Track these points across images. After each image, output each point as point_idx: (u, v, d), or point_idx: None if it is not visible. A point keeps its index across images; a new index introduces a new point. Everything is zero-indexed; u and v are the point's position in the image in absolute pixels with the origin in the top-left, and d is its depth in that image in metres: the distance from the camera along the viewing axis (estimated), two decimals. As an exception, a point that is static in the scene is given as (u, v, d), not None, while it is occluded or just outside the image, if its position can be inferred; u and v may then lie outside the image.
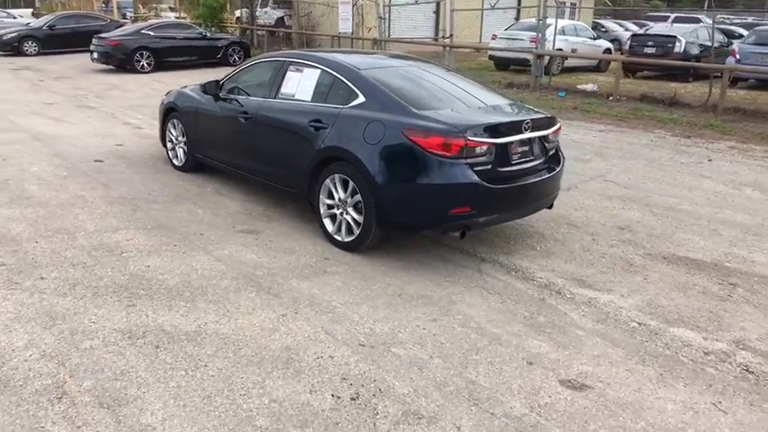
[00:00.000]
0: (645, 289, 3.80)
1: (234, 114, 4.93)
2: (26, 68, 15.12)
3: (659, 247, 4.53)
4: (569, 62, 15.33)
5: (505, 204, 3.93)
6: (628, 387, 2.71)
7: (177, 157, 5.97)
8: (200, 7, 21.17)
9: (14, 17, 28.11)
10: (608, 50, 16.82)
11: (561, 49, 14.55)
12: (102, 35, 15.55)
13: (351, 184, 3.96)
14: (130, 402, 2.26)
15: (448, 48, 13.80)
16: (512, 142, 3.86)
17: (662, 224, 5.04)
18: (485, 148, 3.68)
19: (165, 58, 15.62)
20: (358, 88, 4.11)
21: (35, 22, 21.71)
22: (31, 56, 18.26)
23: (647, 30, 16.08)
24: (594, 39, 16.77)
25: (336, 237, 4.17)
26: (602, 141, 8.30)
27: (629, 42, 15.61)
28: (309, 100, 4.42)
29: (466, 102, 4.21)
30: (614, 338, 3.17)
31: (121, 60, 14.99)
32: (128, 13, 31.85)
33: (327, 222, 4.23)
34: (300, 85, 4.55)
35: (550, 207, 4.56)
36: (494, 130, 3.77)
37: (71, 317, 2.90)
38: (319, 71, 4.44)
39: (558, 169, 4.27)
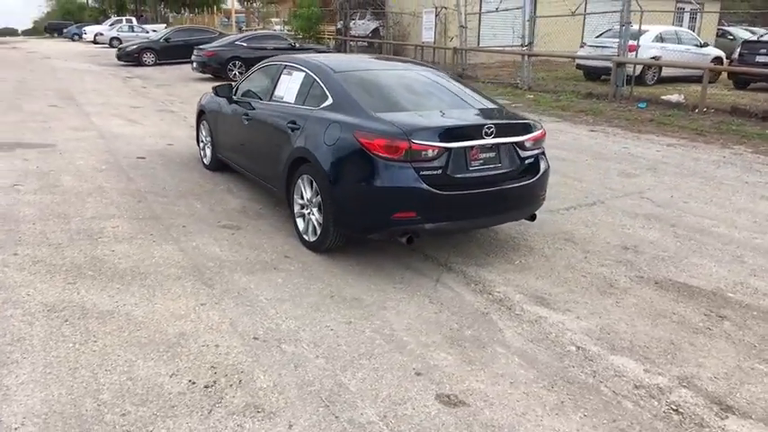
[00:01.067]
0: (609, 313, 3.48)
1: (239, 116, 5.22)
2: (138, 77, 16.87)
3: (658, 270, 4.11)
4: (669, 72, 14.21)
5: (459, 212, 3.79)
6: (511, 410, 2.52)
7: (206, 156, 6.41)
8: (298, 19, 22.38)
9: (147, 32, 31.44)
10: (718, 60, 15.35)
11: (657, 58, 13.56)
12: (202, 46, 16.99)
13: (314, 184, 4.04)
14: (6, 365, 2.52)
15: (526, 57, 13.38)
16: (470, 147, 3.73)
17: (678, 247, 4.56)
18: (433, 152, 3.59)
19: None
20: (329, 90, 4.19)
21: (155, 36, 24.25)
22: (148, 66, 20.37)
23: (762, 36, 14.44)
24: (701, 46, 15.39)
25: (305, 236, 4.26)
26: (662, 156, 7.64)
27: (738, 50, 14.14)
28: (293, 102, 4.58)
29: (436, 106, 4.14)
30: (535, 360, 2.95)
31: (216, 69, 16.26)
32: (243, 27, 34.40)
33: (299, 222, 4.34)
34: (288, 87, 4.73)
35: (532, 219, 4.32)
36: (448, 134, 3.67)
37: (13, 288, 3.27)
38: (303, 74, 4.58)
39: (533, 179, 4.04)
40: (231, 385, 2.53)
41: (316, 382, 2.61)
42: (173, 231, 4.39)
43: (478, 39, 15.49)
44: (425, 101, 4.22)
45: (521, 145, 3.97)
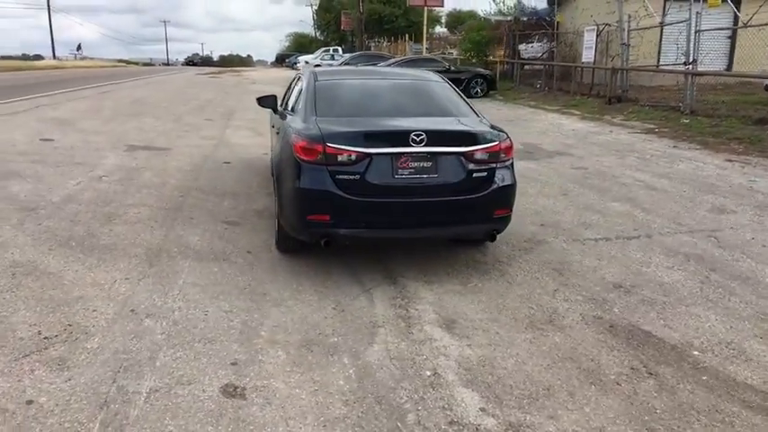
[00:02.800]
0: (509, 347, 3.11)
1: (275, 126, 5.73)
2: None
3: (632, 314, 3.51)
4: None
5: (381, 220, 3.70)
6: (283, 412, 2.47)
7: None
8: (468, 44, 22.76)
9: (335, 59, 34.74)
10: None
11: None
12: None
13: (282, 186, 4.29)
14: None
15: (690, 76, 11.86)
16: (398, 155, 3.64)
17: (691, 292, 3.83)
18: (351, 156, 3.60)
19: (409, 89, 17.43)
20: (302, 97, 4.43)
21: (339, 60, 26.72)
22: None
23: None
24: None
25: (275, 237, 4.54)
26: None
27: None
28: (290, 110, 4.91)
29: (390, 113, 4.10)
30: (369, 375, 2.80)
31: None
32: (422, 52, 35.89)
33: (277, 223, 4.63)
34: (295, 97, 5.08)
35: (491, 239, 4.00)
36: (368, 139, 3.64)
37: (7, 248, 4.13)
38: (301, 83, 4.89)
39: (479, 194, 3.75)
40: (65, 341, 2.92)
41: (134, 352, 2.86)
42: (177, 221, 5.01)
43: (641, 56, 14.09)
44: (385, 108, 4.21)
45: (469, 157, 3.73)
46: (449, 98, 4.46)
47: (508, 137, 3.95)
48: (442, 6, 39.06)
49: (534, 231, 5.04)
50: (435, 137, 3.67)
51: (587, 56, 15.69)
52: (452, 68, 18.55)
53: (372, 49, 49.69)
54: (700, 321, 3.41)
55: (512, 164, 3.97)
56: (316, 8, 68.20)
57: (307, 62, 39.73)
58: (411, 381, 2.77)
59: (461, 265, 4.22)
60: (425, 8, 31.11)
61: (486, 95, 18.10)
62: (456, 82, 17.68)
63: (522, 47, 21.31)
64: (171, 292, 3.59)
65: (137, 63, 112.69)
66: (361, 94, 4.45)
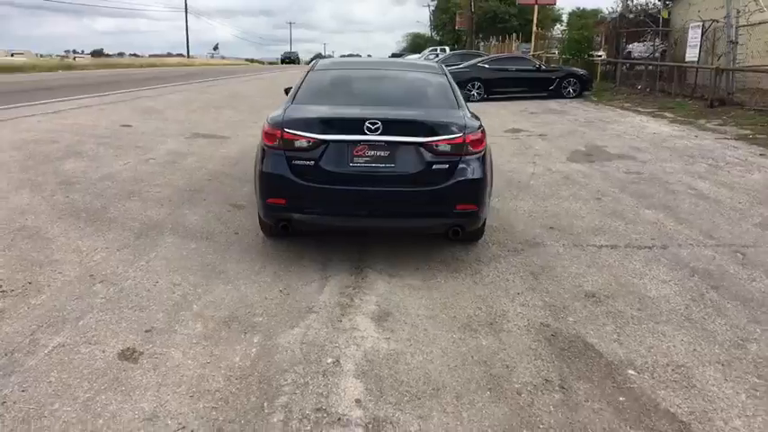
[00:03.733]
0: (436, 345, 2.99)
1: None
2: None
3: (584, 325, 3.24)
4: None
5: (331, 208, 3.69)
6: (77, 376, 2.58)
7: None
8: (569, 43, 21.72)
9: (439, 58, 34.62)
10: None
11: None
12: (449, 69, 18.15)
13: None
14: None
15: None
16: (354, 142, 3.62)
17: (676, 310, 3.44)
18: (307, 143, 3.63)
19: (495, 88, 17.00)
20: (295, 85, 4.52)
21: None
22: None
23: None
24: None
25: (264, 220, 4.67)
26: None
27: None
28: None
29: (367, 103, 4.06)
30: (261, 357, 2.83)
31: (455, 89, 17.20)
32: (524, 52, 34.70)
33: None
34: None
35: (454, 234, 3.84)
36: (324, 125, 3.65)
37: (27, 215, 4.64)
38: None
39: (436, 186, 3.61)
40: (17, 295, 3.25)
41: (66, 311, 3.12)
42: (189, 202, 5.33)
43: (747, 54, 12.65)
44: (363, 98, 4.18)
45: (428, 147, 3.62)
46: (437, 91, 4.32)
47: (478, 130, 3.77)
48: (554, 4, 37.53)
49: (538, 234, 4.76)
50: (392, 126, 3.60)
51: (691, 55, 14.35)
52: (542, 68, 17.80)
53: (481, 48, 49.01)
54: (660, 340, 3.05)
55: (482, 157, 3.78)
56: (433, 8, 68.44)
57: (411, 61, 40.24)
58: (306, 366, 2.76)
59: (437, 262, 4.09)
60: (536, 5, 30.11)
61: (579, 96, 17.17)
62: (546, 82, 17.09)
63: (630, 46, 19.94)
64: (137, 263, 3.85)
65: (261, 62, 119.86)
66: (347, 83, 4.46)
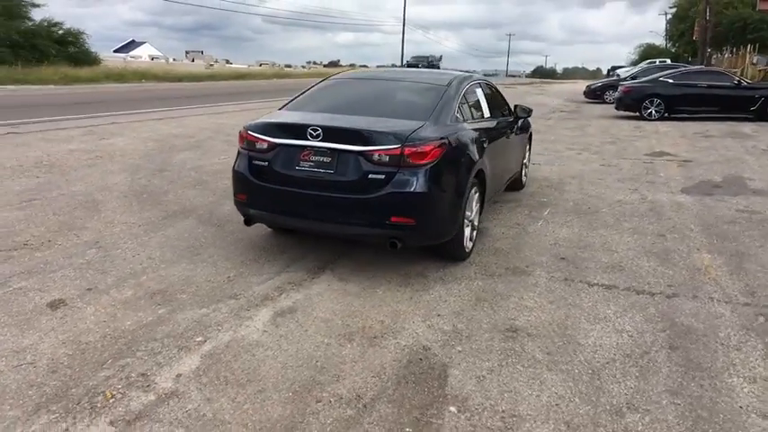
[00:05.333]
0: (291, 347, 3.16)
1: None
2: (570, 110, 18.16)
3: (448, 355, 3.08)
4: None
5: (280, 207, 3.96)
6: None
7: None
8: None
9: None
10: None
11: None
12: (623, 82, 16.68)
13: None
14: None
15: None
16: (301, 147, 3.86)
17: (581, 360, 3.08)
18: (264, 145, 3.98)
19: (679, 106, 15.24)
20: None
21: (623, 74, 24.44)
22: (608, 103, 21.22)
23: None
24: None
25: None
26: None
27: None
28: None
29: (348, 110, 4.24)
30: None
31: (628, 106, 15.80)
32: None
33: None
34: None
35: (393, 247, 3.83)
36: (277, 129, 3.95)
37: (103, 186, 5.77)
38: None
39: (367, 196, 3.67)
40: (30, 248, 4.17)
41: (50, 264, 3.92)
42: (204, 192, 6.03)
43: None
44: (346, 107, 4.35)
45: (367, 156, 3.71)
46: (419, 104, 4.29)
47: (423, 143, 3.71)
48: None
49: (538, 262, 4.44)
50: (333, 133, 3.76)
51: None
52: (744, 84, 15.32)
53: (713, 62, 43.53)
54: (527, 386, 2.76)
55: (427, 171, 3.71)
56: (670, 17, 62.66)
57: (618, 75, 37.28)
58: (177, 339, 3.09)
59: (400, 275, 4.08)
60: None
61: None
62: (746, 101, 14.66)
63: None
64: (141, 238, 4.60)
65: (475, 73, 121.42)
66: (344, 93, 4.68)
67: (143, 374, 2.78)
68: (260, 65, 67.72)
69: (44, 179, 6.06)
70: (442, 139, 3.86)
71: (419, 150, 3.68)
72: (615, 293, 3.87)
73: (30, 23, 25.95)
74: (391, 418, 2.50)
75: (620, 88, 16.19)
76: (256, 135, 4.01)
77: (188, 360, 2.92)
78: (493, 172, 4.91)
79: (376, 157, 3.68)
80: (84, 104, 13.83)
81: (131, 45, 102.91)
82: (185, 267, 4.09)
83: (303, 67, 66.52)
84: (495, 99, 5.68)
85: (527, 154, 7.04)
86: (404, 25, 78.97)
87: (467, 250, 4.40)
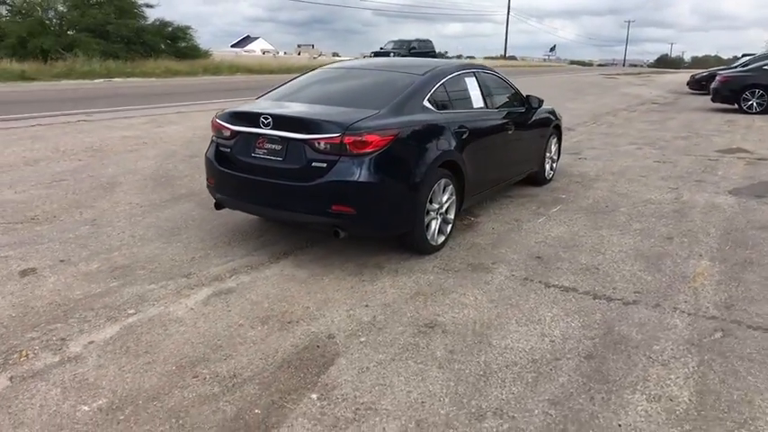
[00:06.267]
0: (186, 327, 3.33)
1: None
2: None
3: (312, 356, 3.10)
4: None
5: (236, 192, 4.11)
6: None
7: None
8: None
9: None
10: None
11: None
12: (721, 71, 15.18)
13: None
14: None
15: None
16: (256, 135, 4.00)
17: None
18: (227, 132, 4.17)
19: (786, 98, 13.69)
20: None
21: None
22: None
23: None
24: None
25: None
26: None
27: None
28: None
29: (314, 99, 4.32)
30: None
31: (725, 98, 14.48)
32: None
33: None
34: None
35: (336, 236, 3.87)
36: (236, 117, 4.10)
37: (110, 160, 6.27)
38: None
39: (307, 183, 3.73)
40: (36, 222, 4.66)
41: (42, 236, 4.38)
42: None
43: None
44: (316, 95, 4.42)
45: (311, 144, 3.78)
46: (385, 94, 4.22)
47: (367, 132, 3.69)
48: None
49: (510, 259, 4.29)
50: (281, 121, 3.85)
51: None
52: None
53: None
54: (382, 378, 2.72)
55: (370, 161, 3.70)
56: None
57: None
58: (108, 310, 3.37)
59: (356, 264, 4.12)
60: None
61: None
62: None
63: None
64: (136, 217, 4.98)
65: (590, 63, 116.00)
66: (320, 83, 4.72)
67: (62, 339, 3.06)
68: (363, 56, 69.28)
69: (84, 162, 6.70)
70: (391, 128, 3.83)
71: (360, 139, 3.68)
72: (568, 297, 3.65)
73: (143, 22, 28.30)
74: (249, 398, 2.57)
75: (717, 78, 14.79)
76: (221, 123, 4.20)
77: (108, 330, 3.16)
78: (479, 165, 4.78)
79: (318, 145, 3.73)
80: (169, 95, 14.95)
81: (246, 40, 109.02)
82: (158, 246, 4.38)
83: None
84: (496, 90, 5.48)
85: (553, 148, 6.71)
86: (508, 13, 77.00)
87: (434, 244, 4.33)
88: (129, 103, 12.59)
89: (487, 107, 5.13)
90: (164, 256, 4.21)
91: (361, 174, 3.69)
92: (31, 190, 5.57)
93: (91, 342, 3.03)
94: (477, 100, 5.00)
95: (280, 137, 3.87)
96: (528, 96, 5.91)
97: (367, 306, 3.50)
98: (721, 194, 6.26)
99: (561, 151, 7.28)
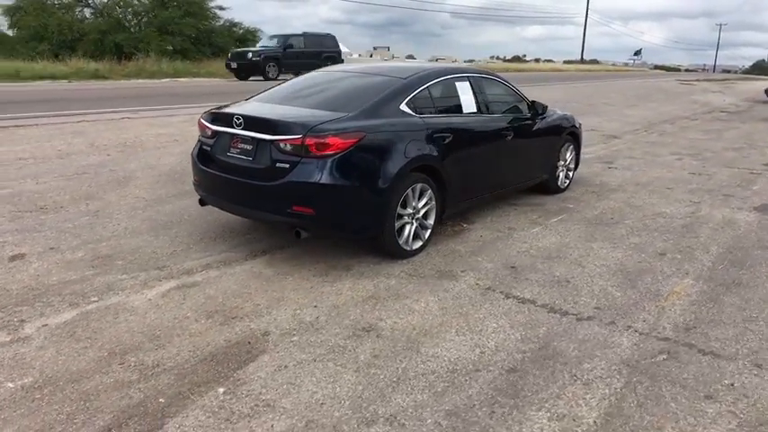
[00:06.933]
0: (144, 315, 3.50)
1: None
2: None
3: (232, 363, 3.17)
4: None
5: (215, 191, 4.27)
6: None
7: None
8: None
9: None
10: None
11: None
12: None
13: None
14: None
15: None
16: (231, 135, 4.15)
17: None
18: (208, 132, 4.35)
19: None
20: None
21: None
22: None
23: None
24: None
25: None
26: None
27: None
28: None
29: (297, 102, 4.43)
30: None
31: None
32: None
33: None
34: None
35: (297, 236, 3.96)
36: (216, 118, 4.27)
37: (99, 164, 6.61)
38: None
39: (274, 183, 3.81)
40: (45, 209, 5.04)
41: (45, 223, 4.72)
42: None
43: None
44: (297, 97, 4.52)
45: (276, 145, 3.89)
46: (361, 98, 4.26)
47: (328, 134, 3.75)
48: None
49: (482, 267, 4.24)
50: (251, 122, 3.98)
51: None
52: None
53: None
54: (294, 382, 2.77)
55: (331, 163, 3.75)
56: None
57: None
58: (52, 298, 3.57)
59: (330, 266, 4.20)
60: None
61: None
62: None
63: None
64: (137, 210, 5.26)
65: (676, 68, 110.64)
66: (306, 86, 4.81)
67: (22, 321, 3.31)
68: (436, 60, 69.34)
69: (111, 157, 7.13)
70: (356, 131, 3.87)
71: (321, 141, 3.75)
72: (523, 309, 3.57)
73: (214, 23, 29.64)
74: (160, 387, 2.69)
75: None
76: (204, 122, 4.39)
77: (65, 315, 3.39)
78: (468, 171, 4.74)
79: (283, 146, 3.83)
80: (222, 94, 15.54)
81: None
82: (145, 239, 4.62)
83: (470, 61, 66.39)
84: (496, 96, 5.39)
85: (568, 156, 6.51)
86: (586, 16, 74.69)
87: (408, 249, 4.33)
88: (181, 101, 13.22)
89: (482, 113, 5.07)
90: (147, 248, 4.43)
91: (320, 175, 3.76)
92: (51, 181, 6.00)
93: (45, 325, 3.26)
94: (468, 105, 4.94)
95: (251, 137, 4.00)
96: (533, 102, 5.78)
97: (316, 306, 3.56)
98: (744, 210, 5.87)
99: (593, 160, 7.06)
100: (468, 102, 4.94)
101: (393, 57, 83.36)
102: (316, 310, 3.52)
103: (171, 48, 25.54)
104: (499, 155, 5.23)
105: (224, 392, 2.67)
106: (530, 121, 5.67)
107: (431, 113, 4.52)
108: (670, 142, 10.70)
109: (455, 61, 68.17)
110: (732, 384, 2.76)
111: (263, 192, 3.91)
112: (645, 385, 2.74)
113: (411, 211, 4.29)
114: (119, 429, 2.40)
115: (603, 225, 5.32)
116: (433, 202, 4.47)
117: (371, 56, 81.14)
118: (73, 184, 5.96)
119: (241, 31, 32.41)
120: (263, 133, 3.93)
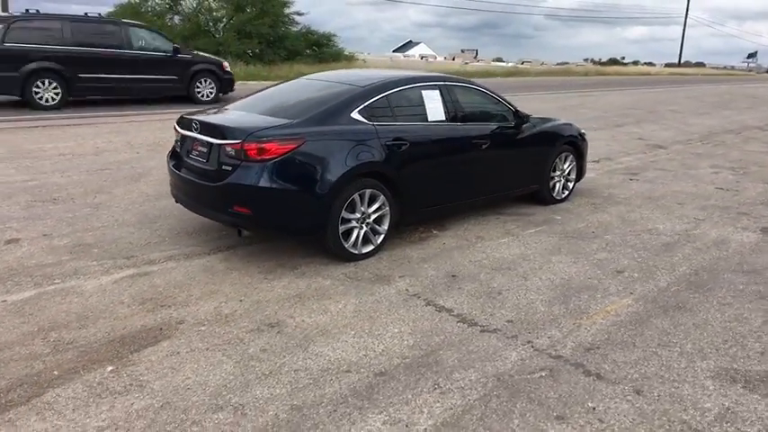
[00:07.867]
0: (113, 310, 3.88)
1: None
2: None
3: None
4: None
5: (180, 190, 4.62)
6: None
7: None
8: None
9: None
10: None
11: None
12: None
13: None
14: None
15: None
16: (190, 138, 4.48)
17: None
18: (178, 135, 4.72)
19: None
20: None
21: None
22: None
23: None
24: None
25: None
26: None
27: None
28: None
29: (260, 109, 4.68)
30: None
31: None
32: None
33: None
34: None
35: (239, 234, 4.23)
36: (182, 122, 4.62)
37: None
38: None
39: (216, 184, 4.11)
40: (56, 200, 5.64)
41: (50, 213, 5.29)
42: None
43: None
44: (266, 104, 4.77)
45: (221, 149, 4.17)
46: (317, 105, 4.44)
47: (267, 141, 3.97)
48: None
49: (423, 274, 4.32)
50: (205, 127, 4.30)
51: None
52: None
53: None
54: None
55: (268, 167, 3.96)
56: None
57: None
58: (22, 278, 4.07)
59: (282, 265, 4.46)
60: None
61: None
62: None
63: None
64: (135, 205, 5.74)
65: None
66: (276, 93, 5.07)
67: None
68: (521, 63, 67.96)
69: (139, 155, 7.76)
70: (295, 137, 4.08)
71: (259, 146, 3.99)
72: (435, 317, 3.63)
73: (291, 29, 30.78)
74: (61, 362, 3.03)
75: None
76: (176, 127, 4.77)
77: (25, 293, 3.84)
78: (432, 179, 4.83)
79: (227, 150, 4.12)
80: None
81: (408, 45, 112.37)
82: (128, 230, 5.07)
83: (543, 64, 64.35)
84: (472, 105, 5.41)
85: (566, 166, 6.35)
86: (686, 15, 70.37)
87: (356, 252, 4.48)
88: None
89: (453, 121, 5.11)
90: (127, 239, 4.87)
91: (257, 178, 4.01)
92: (75, 176, 6.66)
93: (4, 301, 3.71)
94: (435, 113, 5.00)
95: (205, 141, 4.32)
96: (517, 111, 5.73)
97: (241, 301, 3.80)
98: (749, 231, 5.51)
99: (618, 171, 6.85)
100: (435, 110, 5.00)
101: (476, 59, 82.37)
102: (239, 304, 3.75)
103: (249, 52, 26.81)
104: (472, 163, 5.24)
105: (110, 371, 2.96)
106: (512, 130, 5.62)
107: (387, 121, 4.63)
108: (719, 154, 10.05)
109: (543, 64, 66.47)
110: (594, 408, 2.71)
111: (210, 192, 4.21)
112: (501, 399, 2.75)
113: (359, 216, 4.43)
114: (6, 393, 2.75)
115: (579, 239, 5.19)
116: (387, 208, 4.58)
117: (453, 59, 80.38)
118: (92, 179, 6.58)
119: (316, 36, 33.34)
120: (213, 138, 4.23)
